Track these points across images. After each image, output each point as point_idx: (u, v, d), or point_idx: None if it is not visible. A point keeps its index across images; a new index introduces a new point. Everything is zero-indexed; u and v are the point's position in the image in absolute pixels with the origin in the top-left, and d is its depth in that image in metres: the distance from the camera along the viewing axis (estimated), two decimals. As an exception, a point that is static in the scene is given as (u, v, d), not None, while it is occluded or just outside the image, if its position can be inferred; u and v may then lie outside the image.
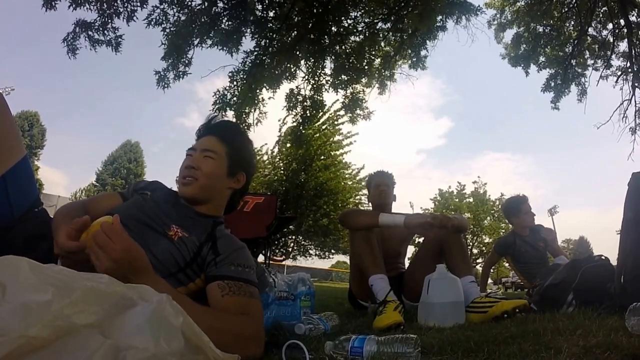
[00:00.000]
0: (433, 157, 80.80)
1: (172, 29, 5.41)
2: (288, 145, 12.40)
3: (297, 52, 5.98)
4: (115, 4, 5.05)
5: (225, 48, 5.63)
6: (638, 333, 1.11)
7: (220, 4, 5.65)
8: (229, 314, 1.03)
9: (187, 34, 5.43)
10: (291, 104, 6.41)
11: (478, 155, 74.03)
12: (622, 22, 7.06)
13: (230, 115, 5.84)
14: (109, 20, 5.12)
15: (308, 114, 6.61)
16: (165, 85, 5.55)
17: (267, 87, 6.01)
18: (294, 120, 6.73)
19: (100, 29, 5.11)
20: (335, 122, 12.94)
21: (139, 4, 5.13)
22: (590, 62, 7.86)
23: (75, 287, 0.55)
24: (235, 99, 5.80)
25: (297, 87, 6.37)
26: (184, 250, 1.15)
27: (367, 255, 2.07)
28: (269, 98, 6.21)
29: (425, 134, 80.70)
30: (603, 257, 1.96)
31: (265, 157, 13.48)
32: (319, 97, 6.55)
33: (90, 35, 5.13)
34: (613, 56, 7.67)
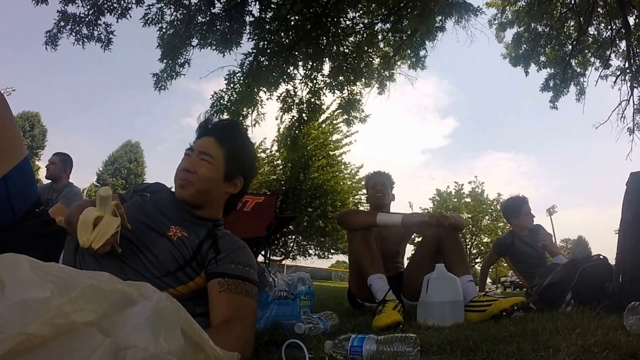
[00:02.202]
0: (438, 157, 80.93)
1: (168, 29, 5.36)
2: (284, 147, 12.36)
3: (296, 53, 5.96)
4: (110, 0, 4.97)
5: (222, 50, 5.61)
6: (636, 332, 1.11)
7: (218, 5, 5.64)
8: (214, 330, 1.01)
9: (185, 35, 5.39)
10: (286, 106, 6.34)
11: (482, 155, 74.21)
12: (621, 22, 7.08)
13: (227, 117, 5.79)
14: (100, 16, 4.99)
15: (305, 117, 6.55)
16: (163, 87, 5.48)
17: (265, 89, 5.98)
18: (290, 122, 6.67)
19: (90, 24, 4.97)
20: (334, 121, 12.92)
21: (134, 1, 5.05)
22: (589, 62, 7.88)
23: (75, 285, 0.54)
24: (232, 100, 5.76)
25: (293, 87, 6.32)
26: (183, 249, 1.16)
27: (366, 255, 2.07)
28: (267, 99, 6.19)
29: (430, 134, 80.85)
30: (601, 257, 1.97)
31: (263, 155, 13.45)
32: (316, 101, 6.50)
33: (78, 30, 4.98)
34: (612, 56, 7.69)
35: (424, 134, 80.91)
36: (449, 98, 79.13)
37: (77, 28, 4.99)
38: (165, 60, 5.44)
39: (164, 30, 5.35)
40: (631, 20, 7.10)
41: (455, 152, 76.95)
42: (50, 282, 0.53)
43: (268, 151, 13.66)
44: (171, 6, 5.34)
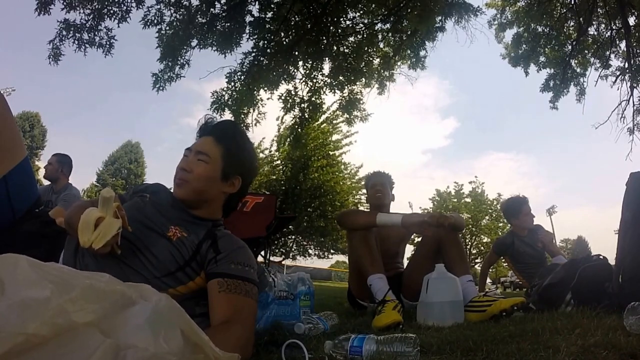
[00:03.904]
0: (438, 157, 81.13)
1: (168, 30, 5.36)
2: (286, 145, 12.34)
3: (296, 53, 5.96)
4: (110, 5, 4.98)
5: (222, 50, 5.60)
6: (636, 332, 1.11)
7: (218, 5, 5.63)
8: (213, 330, 1.01)
9: (185, 36, 5.39)
10: (288, 105, 6.34)
11: (482, 155, 74.51)
12: (621, 22, 7.08)
13: (228, 116, 5.79)
14: (101, 22, 5.03)
15: (306, 116, 6.56)
16: (161, 88, 5.47)
17: (265, 89, 5.98)
18: (292, 120, 6.69)
19: (92, 30, 5.01)
20: (334, 121, 12.91)
21: (134, 4, 5.07)
22: (589, 62, 7.88)
23: (75, 285, 0.54)
24: (232, 99, 5.76)
25: (294, 87, 6.32)
26: (182, 249, 1.16)
27: (366, 255, 2.07)
28: (268, 99, 6.19)
29: (431, 134, 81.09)
30: (601, 257, 1.97)
31: (262, 155, 13.43)
32: (317, 100, 6.50)
33: (79, 37, 5.01)
34: (612, 56, 7.70)
35: (424, 134, 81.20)
36: (450, 98, 79.39)
37: (79, 35, 5.02)
38: (164, 61, 5.45)
39: (163, 31, 5.35)
40: (631, 21, 7.10)
41: (456, 152, 77.22)
42: (50, 281, 0.53)
43: (267, 151, 13.65)
44: (171, 7, 5.34)
